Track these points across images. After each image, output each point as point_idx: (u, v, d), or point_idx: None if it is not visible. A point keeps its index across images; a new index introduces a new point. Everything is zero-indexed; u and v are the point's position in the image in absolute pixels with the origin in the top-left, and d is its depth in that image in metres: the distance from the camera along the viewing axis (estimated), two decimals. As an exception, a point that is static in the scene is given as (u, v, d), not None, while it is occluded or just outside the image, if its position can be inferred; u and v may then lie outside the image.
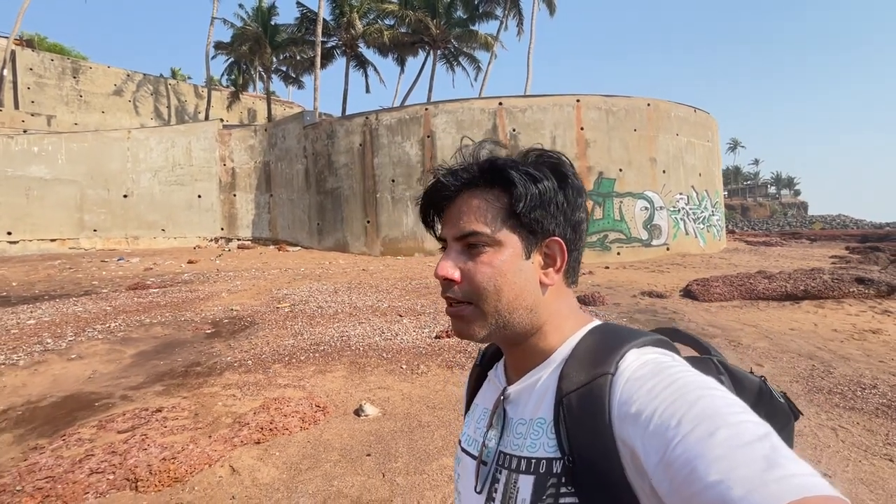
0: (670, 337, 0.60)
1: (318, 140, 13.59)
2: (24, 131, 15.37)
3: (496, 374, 0.68)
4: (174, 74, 28.12)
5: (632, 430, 0.46)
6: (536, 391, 0.58)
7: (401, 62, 29.09)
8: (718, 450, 0.39)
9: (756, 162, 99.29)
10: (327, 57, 26.18)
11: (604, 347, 0.54)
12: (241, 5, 26.27)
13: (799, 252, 14.69)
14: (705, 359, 0.60)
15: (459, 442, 0.70)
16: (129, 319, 6.09)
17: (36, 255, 12.70)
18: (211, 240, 15.08)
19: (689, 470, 0.40)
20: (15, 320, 6.14)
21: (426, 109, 12.19)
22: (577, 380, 0.53)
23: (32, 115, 21.89)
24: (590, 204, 11.19)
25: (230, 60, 29.84)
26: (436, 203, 0.63)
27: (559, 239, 0.59)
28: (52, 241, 13.43)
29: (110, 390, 3.97)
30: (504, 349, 0.65)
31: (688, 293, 7.41)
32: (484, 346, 0.74)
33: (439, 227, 0.64)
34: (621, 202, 12.16)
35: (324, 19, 22.91)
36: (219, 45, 25.84)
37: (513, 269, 0.57)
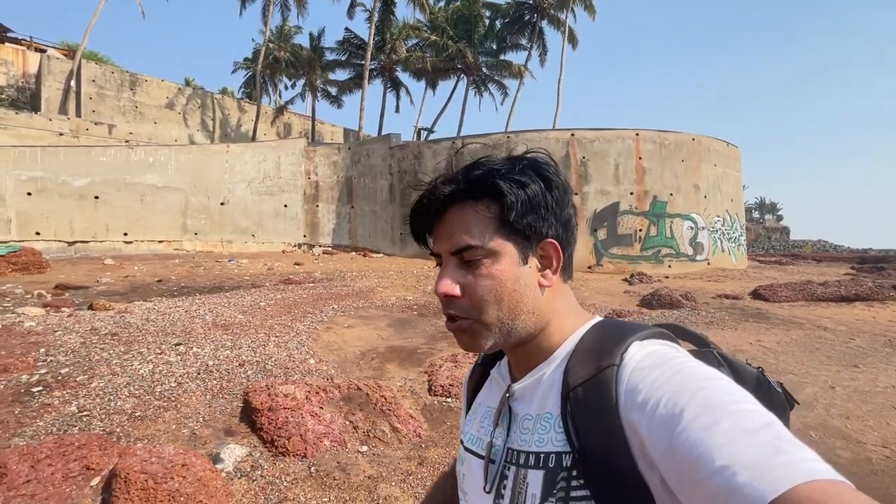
0: (672, 332, 0.61)
1: (404, 159, 15.43)
2: (127, 142, 16.79)
3: (499, 371, 0.69)
4: (188, 83, 29.75)
5: (639, 418, 0.47)
6: (542, 387, 0.59)
7: (433, 86, 31.45)
8: (722, 437, 0.40)
9: (742, 188, 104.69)
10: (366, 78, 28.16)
11: (607, 341, 0.55)
12: (265, 23, 27.86)
13: (813, 269, 16.78)
14: (706, 351, 0.59)
15: (462, 442, 0.70)
16: (339, 305, 7.63)
17: (149, 255, 14.06)
18: (295, 245, 16.60)
19: (695, 457, 0.41)
20: (247, 303, 7.60)
21: (507, 137, 14.14)
22: (583, 373, 0.54)
23: (96, 123, 23.21)
24: (645, 223, 13.31)
25: (248, 75, 31.98)
26: (425, 220, 0.62)
27: (553, 240, 0.59)
28: (160, 242, 14.84)
29: (413, 345, 5.56)
30: (507, 351, 0.65)
31: (757, 295, 9.25)
32: None
33: (431, 241, 0.63)
34: (672, 222, 14.15)
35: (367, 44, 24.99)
36: (269, 66, 27.60)
37: (512, 278, 0.58)
